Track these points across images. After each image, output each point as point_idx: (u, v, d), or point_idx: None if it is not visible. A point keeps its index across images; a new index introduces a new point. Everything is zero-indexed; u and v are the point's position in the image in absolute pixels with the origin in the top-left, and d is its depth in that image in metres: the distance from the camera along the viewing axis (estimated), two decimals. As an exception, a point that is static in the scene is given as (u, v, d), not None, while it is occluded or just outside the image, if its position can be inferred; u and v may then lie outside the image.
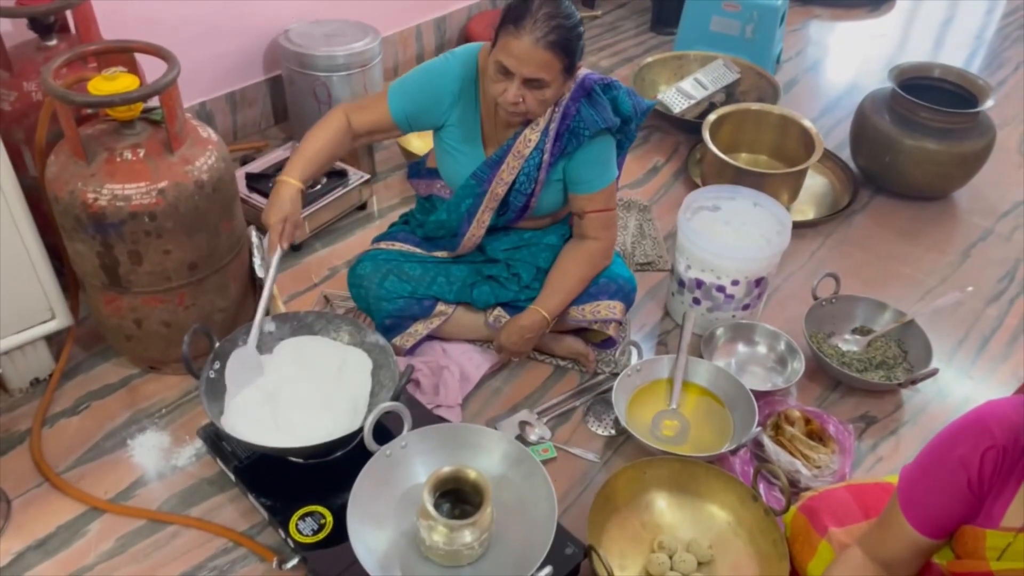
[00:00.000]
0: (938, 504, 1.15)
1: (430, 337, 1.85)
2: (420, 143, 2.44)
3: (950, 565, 1.17)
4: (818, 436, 1.67)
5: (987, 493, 1.11)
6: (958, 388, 1.85)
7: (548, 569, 1.23)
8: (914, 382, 1.77)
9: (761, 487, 1.54)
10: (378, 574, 1.26)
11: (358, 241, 2.21)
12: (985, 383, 1.87)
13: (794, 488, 1.56)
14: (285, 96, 2.53)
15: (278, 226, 1.57)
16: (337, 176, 2.24)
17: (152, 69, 1.64)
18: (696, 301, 1.92)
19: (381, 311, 1.80)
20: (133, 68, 1.68)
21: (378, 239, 1.92)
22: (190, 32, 2.27)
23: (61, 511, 1.54)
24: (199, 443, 1.65)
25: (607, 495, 1.51)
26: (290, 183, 1.60)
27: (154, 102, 1.59)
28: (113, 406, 1.74)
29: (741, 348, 1.91)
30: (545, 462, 1.66)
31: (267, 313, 1.59)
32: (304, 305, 2.00)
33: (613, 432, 1.74)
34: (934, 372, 1.75)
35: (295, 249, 2.18)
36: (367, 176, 2.29)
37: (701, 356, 1.85)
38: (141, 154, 1.54)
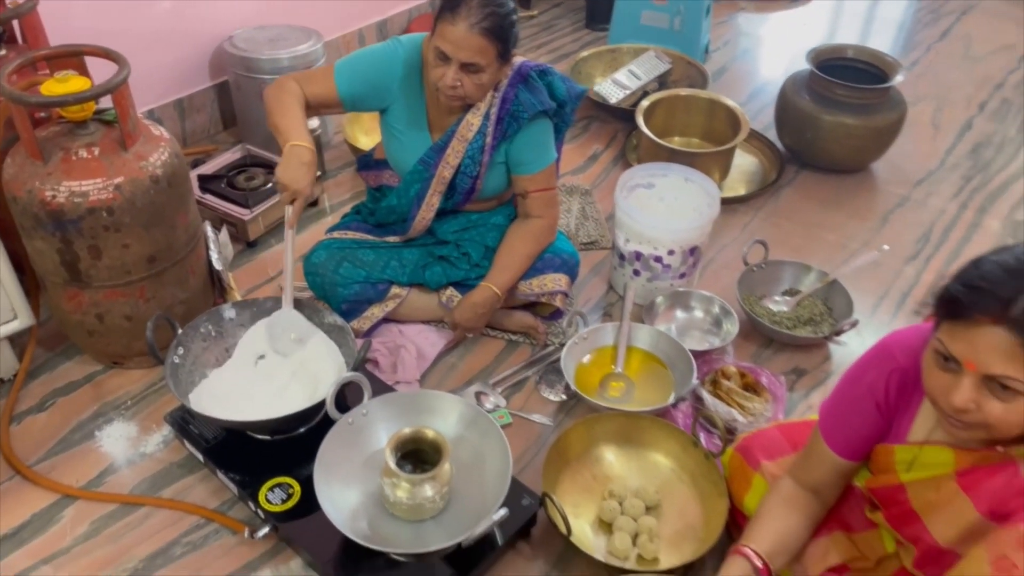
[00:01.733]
0: (853, 428, 1.28)
1: (386, 320, 1.94)
2: (366, 140, 2.53)
3: (868, 483, 1.29)
4: (753, 388, 1.80)
5: (894, 413, 1.24)
6: (879, 337, 1.99)
7: (503, 511, 1.33)
8: (838, 333, 1.91)
9: (701, 434, 1.66)
10: (343, 527, 1.33)
11: (312, 236, 2.28)
12: (905, 334, 2.02)
13: (731, 435, 1.68)
14: (232, 101, 2.59)
15: (306, 191, 1.61)
16: (288, 174, 2.31)
17: (100, 75, 1.70)
18: (636, 273, 2.03)
19: (338, 296, 1.88)
20: (83, 72, 1.74)
21: (332, 229, 1.99)
22: (135, 41, 2.33)
23: (33, 501, 1.59)
24: (166, 430, 1.71)
25: (559, 450, 1.61)
26: (303, 147, 1.62)
27: (105, 103, 1.65)
28: (79, 401, 1.79)
29: (679, 314, 2.03)
30: (501, 428, 1.75)
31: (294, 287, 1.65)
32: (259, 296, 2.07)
33: (564, 397, 1.84)
34: (855, 323, 1.90)
35: (251, 245, 2.24)
36: (318, 173, 2.36)
37: (643, 323, 1.96)
38: (96, 152, 1.60)
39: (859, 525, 1.35)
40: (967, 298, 1.01)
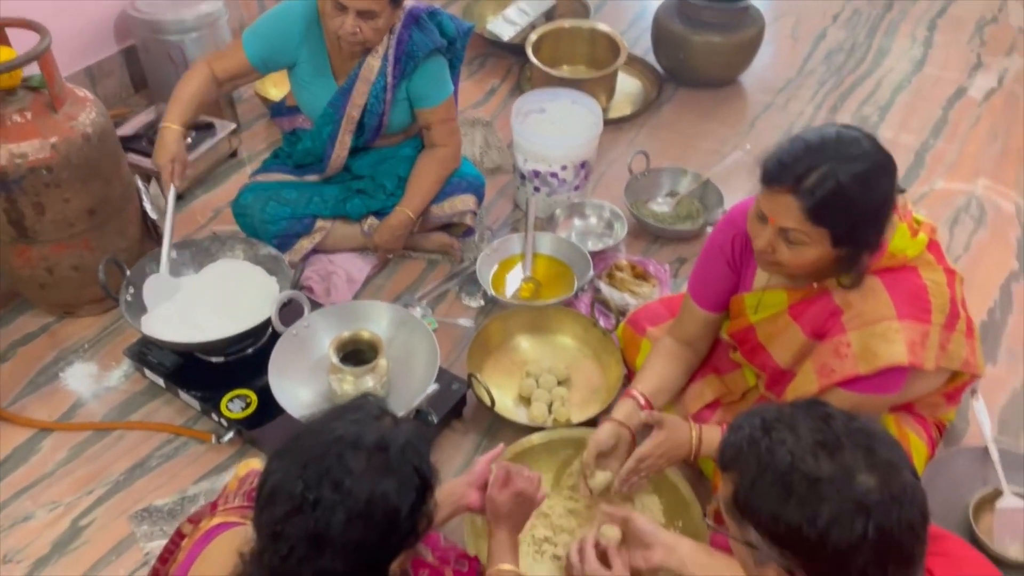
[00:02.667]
0: (712, 285, 1.57)
1: (315, 251, 2.14)
2: (276, 91, 2.67)
3: (728, 329, 1.60)
4: (642, 276, 2.09)
5: (741, 267, 1.54)
6: (749, 227, 2.31)
7: (435, 385, 1.58)
8: (709, 224, 2.22)
9: (599, 317, 1.94)
10: (301, 414, 1.56)
11: (235, 184, 2.44)
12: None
13: (623, 316, 1.96)
14: (141, 64, 2.69)
15: (168, 167, 1.81)
16: (205, 129, 2.46)
17: (17, 46, 1.81)
18: (536, 189, 2.28)
19: (267, 233, 2.07)
20: (5, 43, 1.85)
21: (255, 173, 2.17)
22: (39, 12, 2.39)
23: (11, 438, 1.76)
24: (126, 364, 1.89)
25: (481, 342, 1.87)
26: (171, 127, 1.84)
27: (29, 72, 1.77)
28: (39, 349, 1.95)
29: (577, 222, 2.30)
30: (428, 332, 2.00)
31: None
32: (196, 244, 2.24)
33: (482, 302, 2.09)
34: (724, 212, 2.20)
35: (179, 198, 2.39)
36: (233, 126, 2.51)
37: (546, 230, 2.22)
38: (29, 116, 1.74)
39: (727, 367, 1.66)
40: (774, 170, 1.29)
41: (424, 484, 0.94)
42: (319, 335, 1.73)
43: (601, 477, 1.51)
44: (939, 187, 2.51)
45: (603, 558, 1.31)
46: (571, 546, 1.36)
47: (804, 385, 1.42)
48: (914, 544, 0.83)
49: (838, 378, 1.36)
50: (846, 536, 0.81)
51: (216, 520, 1.21)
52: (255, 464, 1.39)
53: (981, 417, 1.68)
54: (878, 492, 0.82)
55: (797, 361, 1.46)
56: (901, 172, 1.32)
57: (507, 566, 1.27)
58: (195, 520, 1.31)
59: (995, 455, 1.62)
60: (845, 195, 1.22)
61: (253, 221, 2.07)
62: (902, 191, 1.35)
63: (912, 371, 1.34)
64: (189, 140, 2.41)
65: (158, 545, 1.56)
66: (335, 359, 1.61)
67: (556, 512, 1.57)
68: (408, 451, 0.94)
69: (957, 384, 1.57)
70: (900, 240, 1.35)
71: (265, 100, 2.64)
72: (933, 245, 1.40)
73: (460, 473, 1.71)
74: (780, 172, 1.27)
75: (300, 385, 1.66)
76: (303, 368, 1.69)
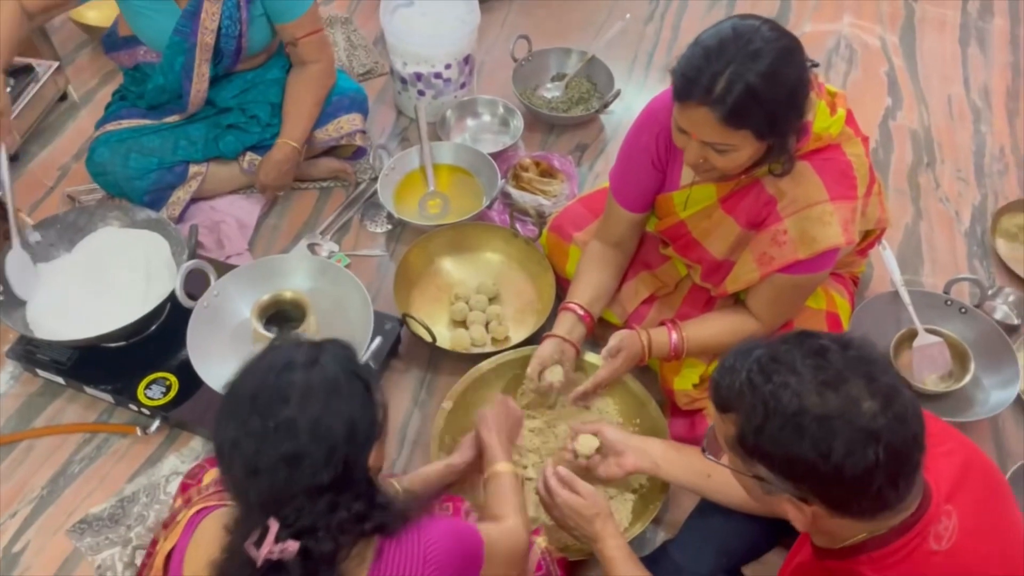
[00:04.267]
0: (637, 185, 1.54)
1: (194, 200, 1.93)
2: (96, 14, 2.31)
3: (657, 227, 1.59)
4: (549, 173, 2.03)
5: (666, 166, 1.51)
6: (639, 100, 2.26)
7: (378, 339, 1.50)
8: (606, 105, 2.16)
9: (517, 226, 1.88)
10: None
11: (75, 133, 2.15)
12: (657, 90, 2.31)
13: (542, 218, 1.92)
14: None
15: None
16: (24, 72, 2.11)
17: None
18: (421, 93, 2.13)
19: (136, 190, 1.84)
20: None
21: (102, 123, 1.90)
22: None
23: (-101, 475, 1.56)
24: (11, 366, 1.68)
25: (403, 274, 1.78)
26: None
27: None
28: (-103, 369, 1.69)
29: (470, 122, 2.18)
30: (341, 269, 1.89)
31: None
32: (49, 211, 1.97)
33: (390, 226, 1.98)
34: (618, 92, 2.15)
35: (12, 159, 2.07)
36: (55, 63, 2.17)
37: (440, 139, 2.10)
38: None
39: (657, 261, 1.67)
40: (682, 86, 1.24)
41: (365, 381, 0.96)
42: (233, 301, 1.59)
43: (552, 372, 1.52)
44: (808, 30, 2.54)
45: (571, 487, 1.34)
46: (538, 483, 1.38)
47: (745, 275, 1.45)
48: (919, 453, 0.87)
49: (778, 265, 1.39)
50: (861, 464, 0.84)
51: (195, 508, 1.15)
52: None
53: (890, 265, 1.79)
54: (884, 416, 0.85)
55: (733, 251, 1.48)
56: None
57: (503, 466, 1.31)
58: (168, 524, 1.23)
59: (906, 298, 1.74)
60: (757, 95, 1.20)
61: (116, 179, 1.84)
62: (815, 65, 1.34)
63: (845, 247, 1.38)
64: (8, 89, 2.07)
65: (110, 555, 1.46)
66: (260, 328, 1.49)
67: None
68: (339, 356, 0.96)
69: (869, 240, 1.65)
70: (822, 120, 1.35)
71: (85, 27, 2.28)
72: (848, 116, 1.41)
73: (410, 414, 1.67)
74: (688, 87, 1.23)
75: (225, 361, 1.53)
76: (223, 340, 1.56)
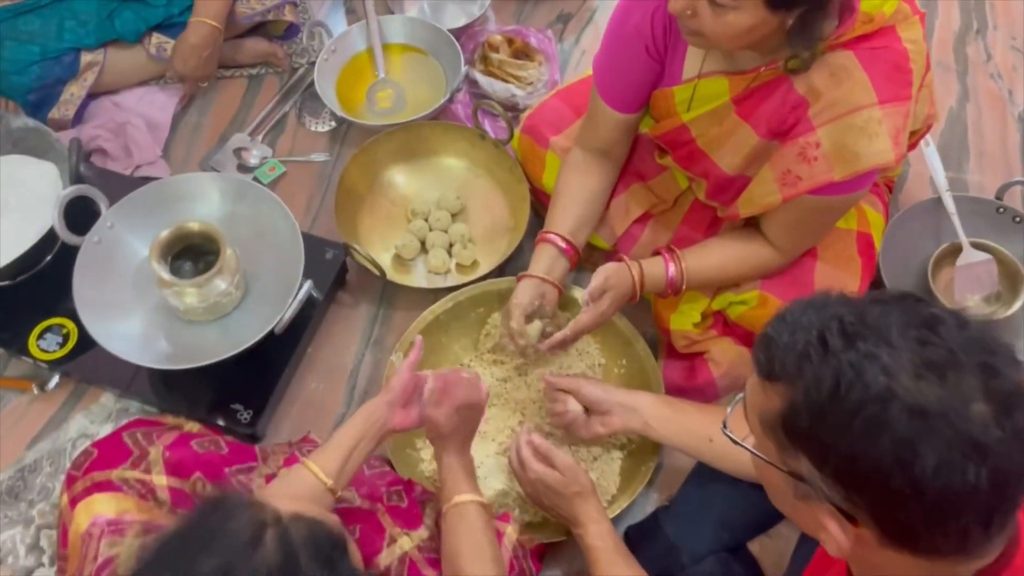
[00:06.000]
0: (628, 79, 1.22)
1: (93, 96, 1.59)
2: None
3: (652, 131, 1.27)
4: (524, 53, 1.68)
5: (664, 54, 1.18)
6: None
7: (308, 284, 1.22)
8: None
9: (485, 124, 1.55)
10: (144, 360, 1.20)
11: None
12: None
13: (514, 112, 1.59)
14: None
15: None
16: None
17: None
18: (366, -48, 1.74)
19: (17, 88, 1.52)
20: None
21: (-36, 1, 1.53)
22: None
23: None
24: None
25: (346, 189, 1.48)
26: None
27: None
28: None
29: (428, -11, 1.80)
30: (276, 181, 1.58)
31: None
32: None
33: (333, 124, 1.66)
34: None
35: None
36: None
37: (392, 12, 1.73)
38: None
39: (652, 172, 1.36)
40: None
41: None
42: (130, 236, 1.30)
43: (532, 328, 1.26)
44: None
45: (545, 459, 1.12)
46: (510, 452, 1.16)
47: (762, 197, 1.15)
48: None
49: (806, 187, 1.10)
50: (952, 484, 0.59)
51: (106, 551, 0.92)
52: (100, 506, 1.02)
53: (933, 164, 1.48)
54: (999, 428, 0.59)
55: (749, 165, 1.17)
56: None
57: (466, 496, 1.03)
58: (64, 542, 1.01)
59: (951, 206, 1.45)
60: None
61: (-11, 75, 1.50)
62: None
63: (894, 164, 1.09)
64: None
65: (10, 537, 1.25)
66: (163, 272, 1.21)
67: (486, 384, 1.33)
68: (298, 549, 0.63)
69: (912, 140, 1.35)
70: (874, -8, 1.02)
71: None
72: (902, -17, 1.07)
73: (361, 357, 1.42)
74: None
75: (126, 312, 1.26)
76: (123, 284, 1.28)
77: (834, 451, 0.63)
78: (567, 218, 1.29)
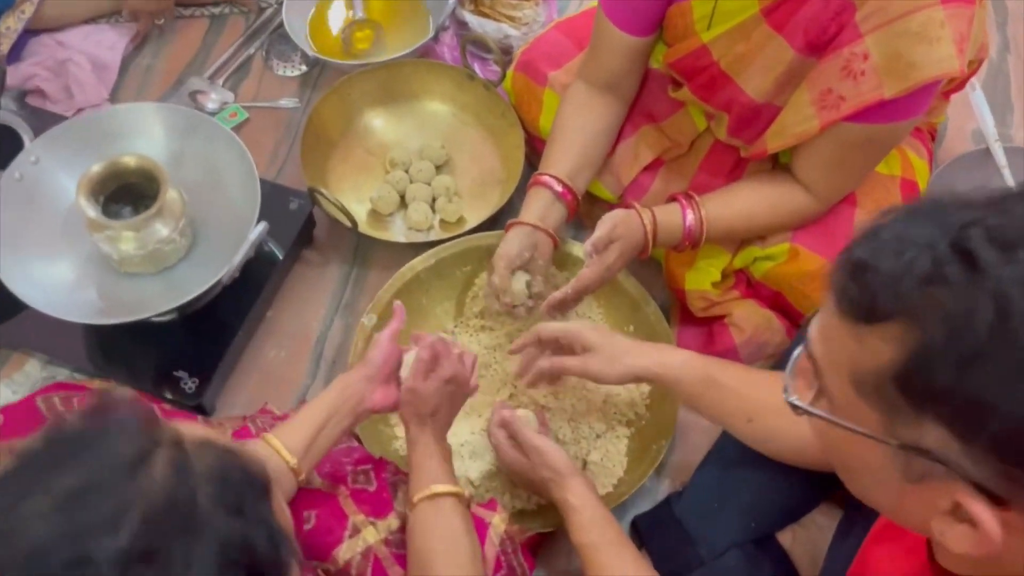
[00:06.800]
0: (639, -8, 1.04)
1: (31, 32, 1.42)
2: None
3: (666, 58, 1.09)
4: (518, -8, 1.51)
5: (683, -39, 1.01)
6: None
7: (261, 225, 1.05)
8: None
9: (474, 64, 1.38)
10: (69, 315, 1.02)
11: None
12: None
13: (507, 56, 1.42)
14: None
15: None
16: None
17: None
18: None
19: (-57, 18, 1.33)
20: None
21: None
22: None
23: None
24: None
25: (315, 132, 1.30)
26: None
27: None
28: None
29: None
30: (237, 128, 1.40)
31: None
32: None
33: (304, 68, 1.48)
34: None
35: None
36: None
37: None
38: None
39: (664, 111, 1.19)
40: None
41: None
42: (59, 172, 1.11)
43: (516, 283, 1.09)
44: None
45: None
46: (489, 425, 1.00)
47: (796, 124, 0.98)
48: None
49: (850, 109, 0.93)
50: None
51: None
52: None
53: (980, 111, 1.32)
54: None
55: (782, 89, 1.00)
56: None
57: (444, 487, 0.85)
58: None
59: (1000, 158, 1.28)
60: None
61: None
62: None
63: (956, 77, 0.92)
64: None
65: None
66: (93, 211, 1.03)
67: (472, 352, 1.15)
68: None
69: (964, 76, 1.18)
70: None
71: None
72: None
73: (330, 323, 1.24)
74: None
75: (52, 258, 1.08)
76: (50, 227, 1.10)
77: (995, 411, 0.44)
78: (565, 159, 1.11)
